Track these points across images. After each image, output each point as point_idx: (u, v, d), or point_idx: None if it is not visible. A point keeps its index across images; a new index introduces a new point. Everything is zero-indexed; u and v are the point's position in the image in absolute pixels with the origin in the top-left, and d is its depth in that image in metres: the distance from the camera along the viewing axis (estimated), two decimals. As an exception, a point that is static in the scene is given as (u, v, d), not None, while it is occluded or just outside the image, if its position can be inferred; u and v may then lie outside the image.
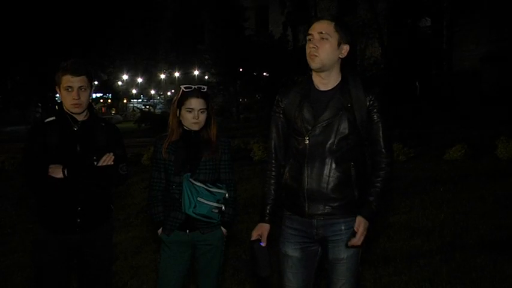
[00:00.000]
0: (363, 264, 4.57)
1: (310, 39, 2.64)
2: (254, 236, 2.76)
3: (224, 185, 3.22)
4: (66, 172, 2.94)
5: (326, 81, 2.67)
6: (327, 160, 2.61)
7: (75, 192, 3.00)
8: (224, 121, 30.14)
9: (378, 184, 2.64)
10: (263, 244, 2.73)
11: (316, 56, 2.60)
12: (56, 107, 3.25)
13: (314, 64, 2.62)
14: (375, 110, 2.64)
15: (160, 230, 3.23)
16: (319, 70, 2.64)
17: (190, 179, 3.11)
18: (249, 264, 2.82)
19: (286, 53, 31.23)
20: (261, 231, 2.75)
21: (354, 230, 2.61)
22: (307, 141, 2.63)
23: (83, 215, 3.04)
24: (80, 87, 3.00)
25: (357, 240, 2.59)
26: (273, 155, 2.80)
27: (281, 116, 2.76)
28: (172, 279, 3.22)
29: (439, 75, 28.15)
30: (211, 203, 3.10)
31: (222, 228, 3.24)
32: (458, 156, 9.94)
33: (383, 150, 2.66)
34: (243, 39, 34.74)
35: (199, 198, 3.08)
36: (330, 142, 2.61)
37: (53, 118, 3.10)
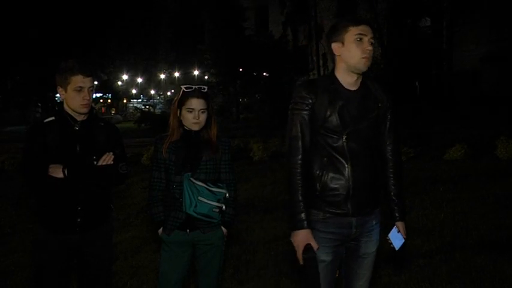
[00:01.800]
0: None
1: (362, 39, 2.60)
2: (301, 247, 2.55)
3: (224, 185, 3.22)
4: (66, 172, 2.94)
5: (357, 82, 2.68)
6: (366, 158, 2.65)
7: (75, 192, 3.00)
8: (224, 121, 30.12)
9: (398, 181, 2.75)
10: (315, 249, 2.56)
11: (369, 59, 2.62)
12: (56, 107, 3.25)
13: (365, 67, 2.63)
14: (391, 110, 2.75)
15: (160, 230, 3.23)
16: (361, 73, 2.66)
17: (191, 179, 3.11)
18: (302, 285, 2.58)
19: (286, 53, 31.24)
20: (307, 238, 2.56)
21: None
22: (345, 141, 2.60)
23: (83, 215, 3.03)
24: (89, 88, 3.01)
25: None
26: (301, 155, 2.60)
27: (308, 112, 2.61)
28: (173, 279, 3.22)
29: (439, 75, 28.16)
30: (211, 203, 3.11)
31: (223, 228, 3.24)
32: (458, 156, 9.94)
33: (396, 147, 2.77)
34: (243, 39, 34.72)
35: (200, 198, 3.08)
36: (366, 141, 2.65)
37: (52, 118, 3.09)
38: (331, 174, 2.60)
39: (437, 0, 27.64)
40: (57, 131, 3.02)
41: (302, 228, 2.56)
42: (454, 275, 4.37)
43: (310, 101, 2.60)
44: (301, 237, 2.56)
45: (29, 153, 3.03)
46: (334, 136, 2.61)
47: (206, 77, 41.10)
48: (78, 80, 2.97)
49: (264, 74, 31.90)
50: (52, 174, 2.93)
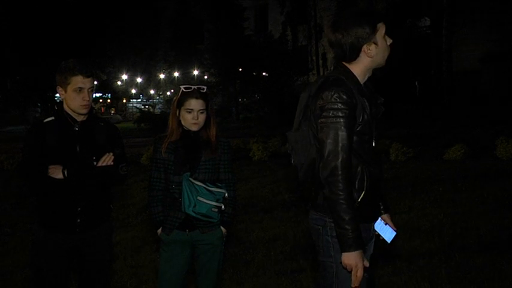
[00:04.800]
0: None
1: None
2: (362, 267, 2.28)
3: (224, 185, 3.22)
4: (65, 172, 2.93)
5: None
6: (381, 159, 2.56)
7: (75, 193, 3.00)
8: (223, 121, 30.11)
9: None
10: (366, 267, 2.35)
11: None
12: (56, 107, 3.23)
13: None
14: None
15: (159, 230, 3.24)
16: None
17: (190, 179, 3.11)
18: None
19: (286, 52, 31.24)
20: (362, 257, 2.29)
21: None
22: (374, 144, 2.43)
23: (83, 215, 3.03)
24: (89, 88, 3.01)
25: None
26: (346, 170, 2.27)
27: (352, 119, 2.31)
28: (172, 279, 3.22)
29: (438, 75, 28.16)
30: (210, 202, 3.11)
31: (222, 228, 3.24)
32: (458, 156, 9.95)
33: None
34: (242, 39, 34.72)
35: (199, 198, 3.08)
36: (379, 140, 2.53)
37: (52, 118, 3.08)
38: (373, 181, 2.39)
39: (437, 0, 27.64)
40: (57, 131, 3.02)
41: (361, 247, 2.28)
42: (454, 275, 4.37)
43: (353, 105, 2.31)
44: (360, 257, 2.28)
45: (29, 153, 3.01)
46: (367, 140, 2.40)
47: (206, 77, 41.07)
48: (78, 81, 2.96)
49: (264, 74, 31.87)
50: (52, 175, 2.92)
